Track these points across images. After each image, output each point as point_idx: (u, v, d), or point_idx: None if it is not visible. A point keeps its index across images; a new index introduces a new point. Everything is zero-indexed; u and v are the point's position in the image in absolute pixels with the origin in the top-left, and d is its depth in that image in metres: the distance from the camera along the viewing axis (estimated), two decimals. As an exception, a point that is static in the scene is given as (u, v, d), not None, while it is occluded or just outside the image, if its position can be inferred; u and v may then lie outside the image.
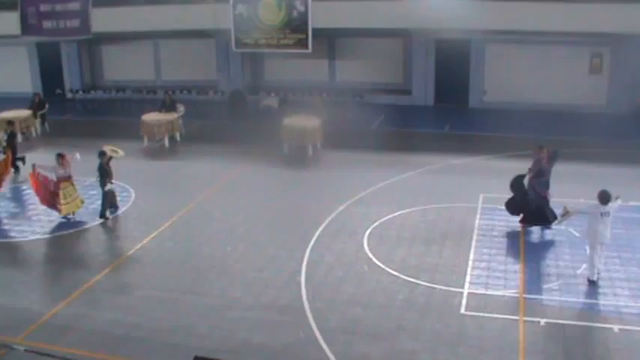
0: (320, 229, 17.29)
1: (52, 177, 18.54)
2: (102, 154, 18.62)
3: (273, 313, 13.48)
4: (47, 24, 33.34)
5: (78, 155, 18.98)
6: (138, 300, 14.38)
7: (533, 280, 14.42)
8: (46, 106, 29.37)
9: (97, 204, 19.28)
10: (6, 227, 18.81)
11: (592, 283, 14.14)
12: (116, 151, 19.21)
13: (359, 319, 13.12)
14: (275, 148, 24.11)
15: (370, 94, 31.09)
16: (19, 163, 22.75)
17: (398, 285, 14.33)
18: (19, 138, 26.25)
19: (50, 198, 18.54)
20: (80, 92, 35.60)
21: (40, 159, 21.08)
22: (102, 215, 18.82)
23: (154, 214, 19.01)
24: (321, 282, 14.61)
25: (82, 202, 19.03)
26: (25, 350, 12.60)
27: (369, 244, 16.29)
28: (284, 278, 14.83)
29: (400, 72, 31.77)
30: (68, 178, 18.53)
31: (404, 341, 12.34)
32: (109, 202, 18.99)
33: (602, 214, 13.90)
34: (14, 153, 21.99)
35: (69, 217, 18.68)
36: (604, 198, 13.88)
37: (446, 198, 18.95)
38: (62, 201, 18.40)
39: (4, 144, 21.96)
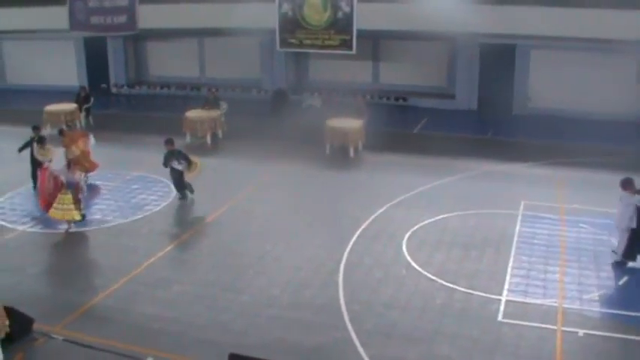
0: (359, 230, 17.28)
1: (62, 179, 18.18)
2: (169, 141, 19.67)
3: (310, 313, 13.50)
4: (95, 19, 33.83)
5: (92, 139, 19.12)
6: (176, 295, 14.50)
7: (573, 290, 14.25)
8: (91, 99, 29.70)
9: (140, 198, 19.54)
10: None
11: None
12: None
13: (395, 322, 13.09)
14: (317, 148, 24.15)
15: (413, 97, 30.96)
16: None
17: (436, 289, 14.27)
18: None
19: (48, 196, 18.26)
20: (125, 87, 35.97)
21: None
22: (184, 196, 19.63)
23: (194, 209, 19.23)
24: (358, 284, 14.60)
25: (81, 218, 18.12)
26: (64, 340, 12.78)
27: (408, 248, 16.24)
28: (322, 278, 14.85)
29: (444, 76, 31.61)
30: (70, 187, 17.92)
31: (440, 346, 12.29)
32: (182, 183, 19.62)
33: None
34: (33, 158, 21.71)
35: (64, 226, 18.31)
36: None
37: (487, 204, 18.81)
38: (55, 204, 17.86)
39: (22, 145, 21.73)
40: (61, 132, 21.81)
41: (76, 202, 17.84)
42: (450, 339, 12.49)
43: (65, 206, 17.73)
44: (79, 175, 18.17)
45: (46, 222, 18.62)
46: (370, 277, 14.90)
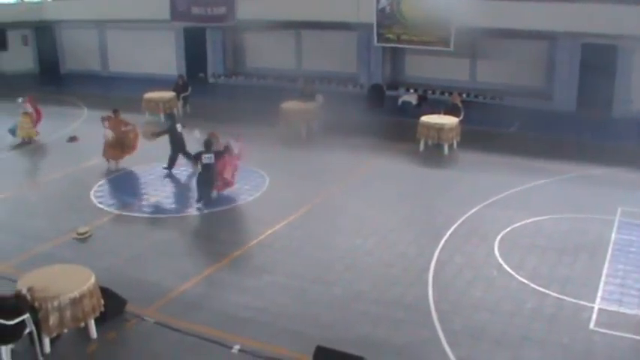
0: (451, 229, 17.17)
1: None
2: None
3: (398, 310, 13.51)
4: (195, 10, 34.56)
5: (197, 133, 19.53)
6: (266, 284, 14.71)
7: (671, 302, 13.87)
8: (189, 88, 30.25)
9: (234, 187, 19.85)
10: (145, 203, 19.68)
11: None
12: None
13: (484, 324, 12.97)
14: (411, 144, 24.08)
15: (510, 97, 30.53)
16: None
17: (526, 293, 14.07)
18: (162, 117, 27.30)
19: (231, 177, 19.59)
20: (222, 77, 36.58)
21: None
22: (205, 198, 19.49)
23: (286, 201, 19.34)
24: (448, 283, 14.53)
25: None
26: (154, 322, 13.14)
27: (499, 249, 16.05)
28: (412, 276, 14.83)
29: (542, 76, 30.99)
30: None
31: (529, 351, 12.13)
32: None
33: None
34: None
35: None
36: None
37: (582, 208, 18.40)
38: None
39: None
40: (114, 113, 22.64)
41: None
42: (539, 345, 12.31)
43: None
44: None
45: (142, 207, 19.11)
46: (460, 277, 14.81)
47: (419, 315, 13.30)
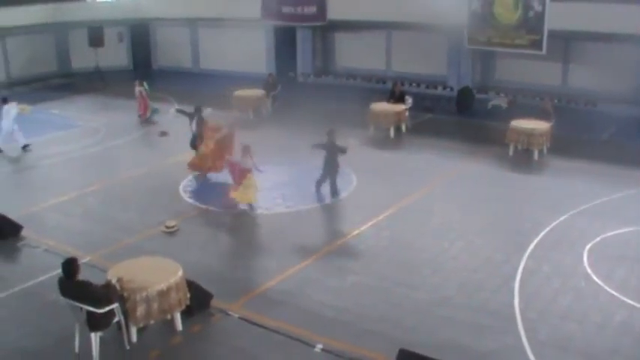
0: (539, 236, 16.87)
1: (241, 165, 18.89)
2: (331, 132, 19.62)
3: (483, 316, 13.34)
4: (286, 9, 34.84)
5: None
6: (350, 285, 14.75)
7: None
8: (279, 87, 30.51)
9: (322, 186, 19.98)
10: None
11: None
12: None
13: (571, 335, 12.70)
14: (500, 149, 23.75)
15: (604, 103, 29.76)
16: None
17: (616, 306, 13.70)
18: (251, 115, 27.64)
19: (236, 183, 19.02)
20: (311, 76, 36.74)
21: (267, 136, 21.96)
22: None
23: (373, 202, 19.34)
24: (535, 291, 14.27)
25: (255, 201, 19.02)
26: (239, 318, 13.30)
27: (588, 259, 15.67)
28: (497, 282, 14.64)
29: (639, 82, 30.18)
30: (250, 171, 18.71)
31: (617, 366, 11.86)
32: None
33: None
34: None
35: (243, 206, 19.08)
36: None
37: (677, 221, 17.88)
38: (240, 188, 18.81)
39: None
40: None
41: (251, 186, 18.68)
42: None
43: (247, 190, 18.65)
44: (251, 161, 18.73)
45: (229, 203, 19.37)
46: (547, 285, 14.53)
47: (504, 322, 13.11)
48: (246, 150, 18.68)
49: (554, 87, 31.15)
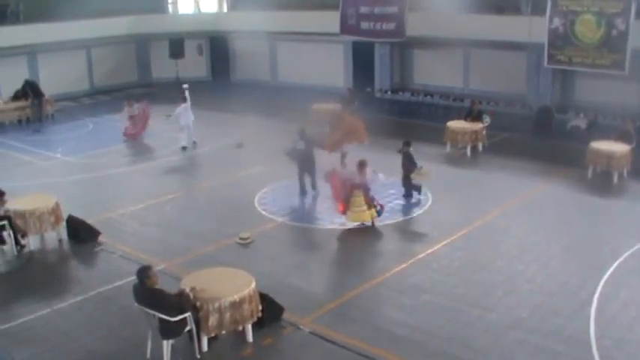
0: (617, 262, 16.44)
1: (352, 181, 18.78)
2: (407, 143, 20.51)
3: (557, 342, 13.06)
4: (365, 25, 35.02)
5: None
6: (423, 304, 14.66)
7: None
8: (356, 102, 30.55)
9: (395, 203, 20.05)
10: (315, 213, 20.27)
11: None
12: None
13: (649, 364, 12.41)
14: (579, 170, 23.27)
15: (688, 126, 29.01)
16: None
17: (696, 336, 13.34)
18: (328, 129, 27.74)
19: (344, 200, 18.78)
20: (389, 92, 36.68)
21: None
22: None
23: (448, 220, 19.20)
24: (612, 318, 13.91)
25: (374, 216, 18.80)
26: (310, 332, 13.34)
27: (668, 287, 15.29)
28: (573, 307, 14.33)
29: None
30: (360, 188, 18.54)
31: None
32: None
33: None
34: None
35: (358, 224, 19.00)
36: None
37: None
38: (351, 208, 18.60)
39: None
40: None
41: (368, 202, 18.53)
42: None
43: (357, 208, 18.48)
44: (369, 176, 18.70)
45: (304, 216, 19.44)
46: (625, 313, 14.15)
47: (579, 349, 12.83)
48: (362, 165, 18.64)
49: (636, 107, 30.42)
